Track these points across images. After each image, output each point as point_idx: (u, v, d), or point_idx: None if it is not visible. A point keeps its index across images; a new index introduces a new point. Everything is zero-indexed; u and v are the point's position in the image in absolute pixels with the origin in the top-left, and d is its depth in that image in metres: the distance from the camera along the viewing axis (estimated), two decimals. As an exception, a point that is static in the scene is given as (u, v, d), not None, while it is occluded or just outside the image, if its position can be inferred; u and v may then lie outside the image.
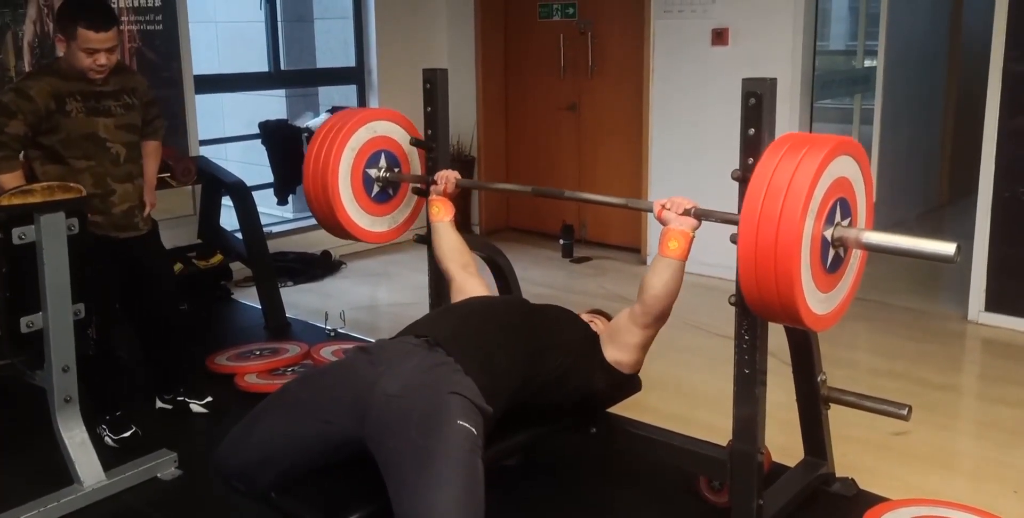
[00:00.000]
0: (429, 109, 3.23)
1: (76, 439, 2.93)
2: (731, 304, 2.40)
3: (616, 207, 2.73)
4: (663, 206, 2.45)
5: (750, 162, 2.39)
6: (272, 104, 7.30)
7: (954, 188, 7.29)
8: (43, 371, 2.87)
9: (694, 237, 2.43)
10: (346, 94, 6.49)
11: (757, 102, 2.35)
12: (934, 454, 3.28)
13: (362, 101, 6.32)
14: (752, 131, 2.37)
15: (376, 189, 3.15)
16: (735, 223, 2.14)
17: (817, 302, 2.14)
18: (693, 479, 2.92)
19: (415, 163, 3.26)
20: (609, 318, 2.93)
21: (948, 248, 2.05)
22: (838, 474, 2.98)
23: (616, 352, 2.57)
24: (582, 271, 5.95)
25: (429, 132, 3.24)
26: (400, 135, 3.21)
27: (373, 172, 3.12)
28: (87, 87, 3.17)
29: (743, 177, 2.40)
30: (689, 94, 5.57)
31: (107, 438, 3.33)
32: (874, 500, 2.82)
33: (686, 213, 2.42)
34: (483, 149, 6.75)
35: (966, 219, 4.93)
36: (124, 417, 3.39)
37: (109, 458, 3.06)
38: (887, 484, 2.98)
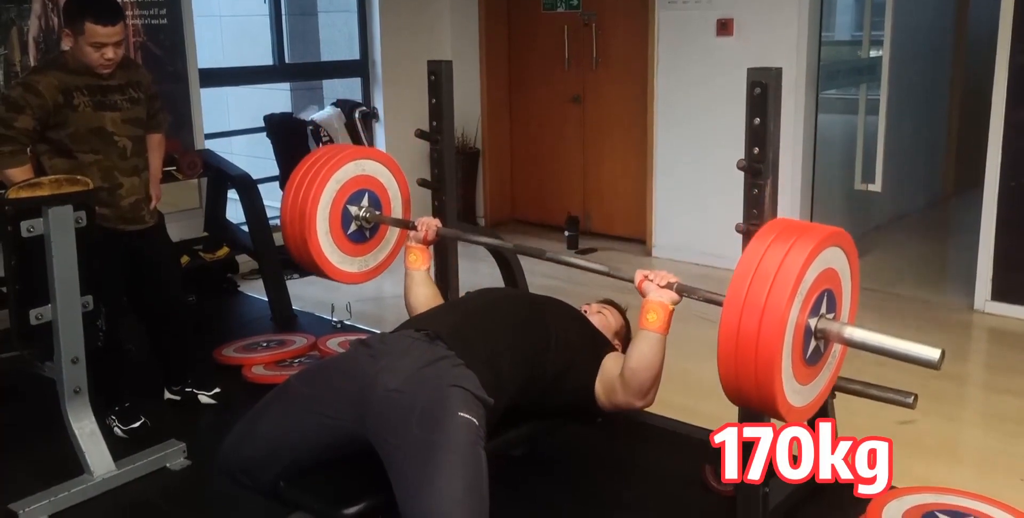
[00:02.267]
0: (434, 101, 3.23)
1: (86, 430, 2.95)
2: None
3: (597, 273, 2.54)
4: (645, 277, 2.37)
5: (755, 152, 2.40)
6: (277, 97, 7.30)
7: (960, 179, 7.27)
8: (52, 363, 2.89)
9: (673, 311, 2.34)
10: (350, 87, 6.49)
11: (762, 92, 2.35)
12: (940, 443, 3.29)
13: (366, 95, 6.32)
14: (757, 121, 2.38)
15: (353, 227, 3.06)
16: (718, 304, 2.07)
17: (794, 393, 2.07)
18: (699, 468, 2.93)
19: (397, 212, 3.19)
20: (619, 308, 2.93)
21: (932, 353, 1.97)
22: (844, 463, 2.98)
23: (602, 397, 2.48)
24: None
25: (434, 124, 3.25)
26: (387, 178, 3.13)
27: (354, 210, 3.04)
28: (94, 81, 3.18)
29: (748, 167, 2.41)
30: (694, 85, 5.57)
31: (116, 429, 3.35)
32: (880, 489, 2.82)
33: (668, 287, 2.33)
34: (487, 141, 6.75)
35: (972, 210, 4.92)
36: (133, 408, 3.41)
37: (119, 449, 3.08)
38: (894, 472, 2.98)
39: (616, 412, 2.56)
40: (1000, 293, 4.62)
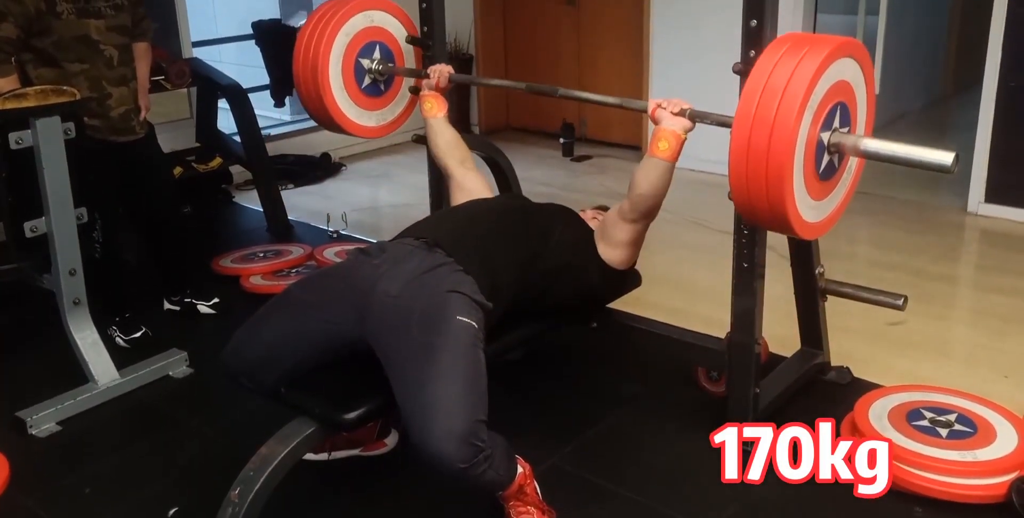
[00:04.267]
0: (424, 5, 3.16)
1: (88, 340, 3.00)
2: (731, 199, 2.40)
3: (610, 106, 2.62)
4: (659, 105, 2.40)
5: (752, 55, 2.36)
6: (265, 3, 7.13)
7: (960, 79, 7.19)
8: (51, 275, 2.91)
9: (685, 139, 2.39)
10: (340, -9, 6.34)
11: (759, -9, 2.30)
12: (928, 342, 3.35)
13: (356, -2, 6.17)
14: (754, 22, 2.33)
15: (367, 81, 3.07)
16: (730, 126, 2.06)
17: (808, 209, 2.08)
18: (692, 370, 2.99)
19: (410, 63, 3.19)
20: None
21: (946, 158, 1.98)
22: (833, 363, 3.05)
23: (607, 249, 2.57)
24: (583, 169, 5.94)
25: (425, 29, 3.18)
26: (397, 29, 3.13)
27: (366, 62, 3.03)
28: (75, -13, 3.11)
29: (745, 71, 2.37)
30: (690, -15, 5.44)
31: (118, 339, 3.40)
32: (868, 387, 2.89)
33: (681, 114, 2.37)
34: (481, 47, 6.63)
35: (971, 110, 4.88)
36: (134, 318, 3.46)
37: (121, 358, 3.14)
38: (881, 372, 3.05)
39: (629, 260, 2.61)
40: (994, 195, 4.62)
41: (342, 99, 3.01)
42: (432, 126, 2.92)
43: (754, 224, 2.30)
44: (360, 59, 3.02)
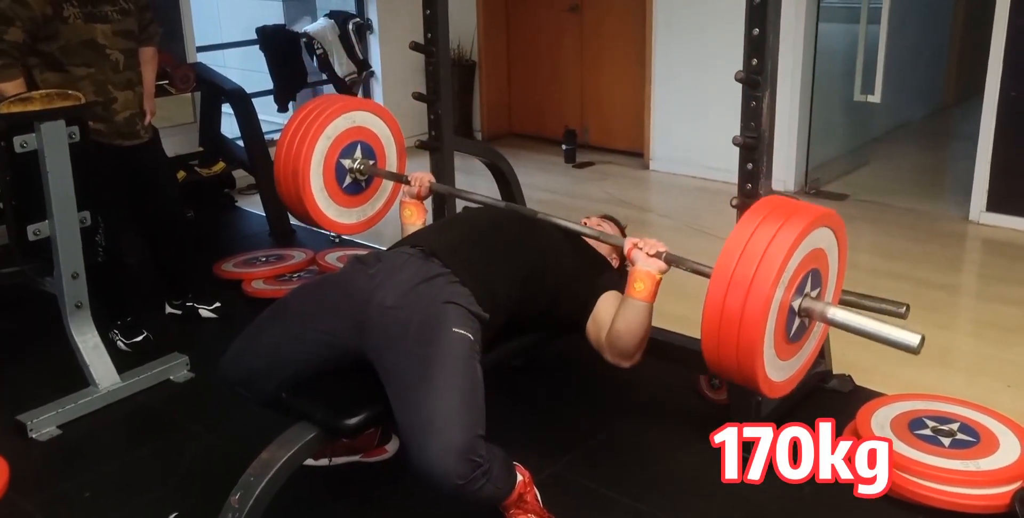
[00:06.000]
0: (428, 12, 3.17)
1: (89, 343, 3.00)
2: (733, 206, 2.40)
3: (587, 237, 2.57)
4: (635, 245, 2.34)
5: (754, 63, 2.37)
6: (269, 9, 7.15)
7: (961, 88, 7.20)
8: (53, 278, 2.91)
9: (661, 280, 2.33)
10: (343, -2, 6.37)
11: (762, 1, 2.31)
12: (930, 351, 3.29)
13: (360, 6, 6.19)
14: (756, 31, 2.35)
15: (348, 180, 3.04)
16: (705, 276, 2.07)
17: (775, 370, 2.09)
18: (693, 378, 2.99)
19: (391, 160, 3.15)
20: (617, 223, 2.93)
21: (912, 339, 1.97)
22: (835, 371, 3.05)
23: (592, 337, 2.48)
24: (585, 176, 5.95)
25: (428, 36, 3.19)
26: (379, 128, 3.09)
27: (347, 162, 3.01)
28: (82, -8, 3.12)
29: (747, 78, 2.38)
30: (694, -7, 5.46)
31: (120, 342, 3.40)
32: (870, 395, 2.89)
33: (657, 256, 2.31)
34: (484, 54, 6.64)
35: (972, 119, 4.88)
36: (135, 322, 3.46)
37: (123, 362, 3.14)
38: (883, 380, 3.05)
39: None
40: (995, 204, 4.63)
41: (322, 200, 3.00)
42: (409, 232, 2.83)
43: (720, 377, 2.30)
44: (341, 160, 3.00)
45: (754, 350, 1.97)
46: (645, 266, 2.31)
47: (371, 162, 3.07)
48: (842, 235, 2.19)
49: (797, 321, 2.09)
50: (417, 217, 2.88)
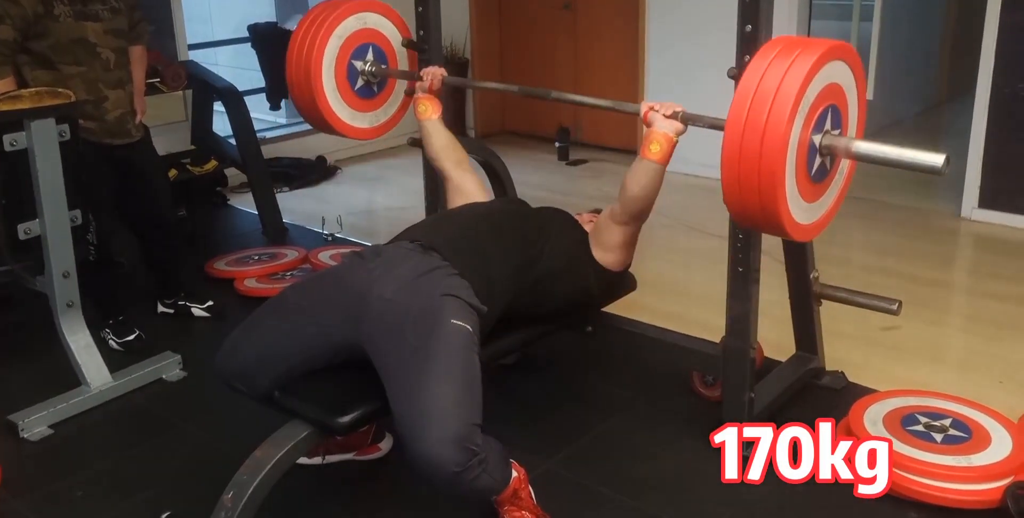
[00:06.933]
0: (420, 9, 3.16)
1: (81, 343, 2.99)
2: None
3: (603, 109, 2.63)
4: (651, 108, 2.41)
5: (746, 60, 2.36)
6: (260, 6, 7.13)
7: (953, 85, 7.20)
8: (44, 277, 2.90)
9: (677, 142, 2.39)
10: (336, -5, 6.35)
11: (754, -3, 2.31)
12: (922, 347, 3.35)
13: (352, 2, 6.17)
14: (749, 28, 2.34)
15: (360, 83, 3.06)
16: (722, 129, 2.07)
17: (800, 211, 2.09)
18: (687, 375, 2.99)
19: (403, 65, 3.19)
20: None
21: (936, 159, 1.99)
22: (828, 368, 3.05)
23: (601, 251, 2.57)
24: (578, 173, 5.95)
25: (421, 33, 3.18)
26: (391, 31, 3.12)
27: (359, 64, 3.04)
28: (72, -10, 3.10)
29: (739, 75, 2.38)
30: (686, -10, 5.45)
31: (111, 342, 3.39)
32: (862, 392, 2.90)
33: (674, 116, 2.38)
34: (476, 51, 6.63)
35: (965, 116, 4.90)
36: (127, 321, 3.45)
37: (115, 361, 3.13)
38: (876, 377, 3.05)
39: (622, 262, 2.62)
40: (987, 200, 4.64)
41: (335, 101, 3.01)
42: (427, 128, 2.92)
43: (746, 226, 2.30)
44: (353, 61, 3.02)
45: (776, 189, 1.96)
46: (662, 127, 2.38)
47: (383, 65, 3.09)
48: (858, 69, 2.17)
49: (819, 160, 2.09)
50: (432, 111, 2.93)
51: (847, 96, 2.16)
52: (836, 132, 2.11)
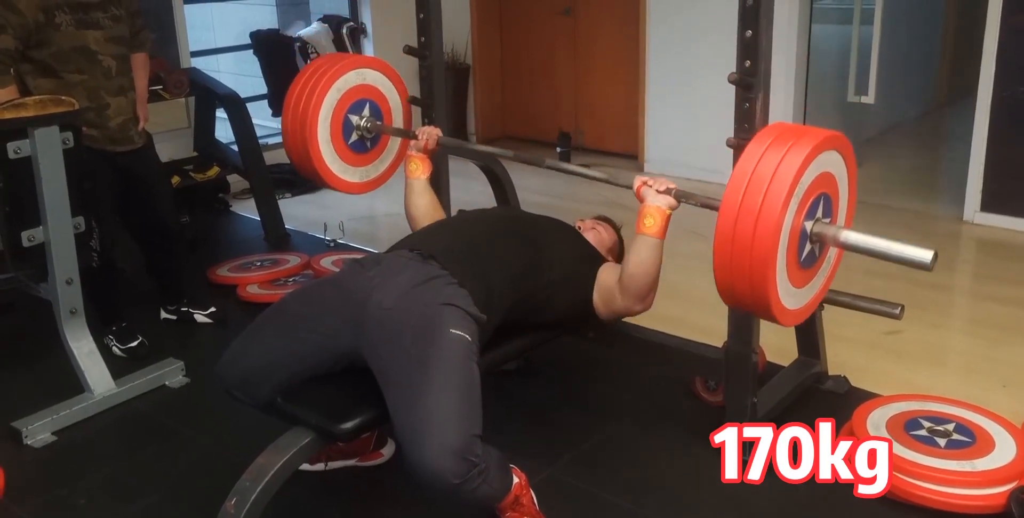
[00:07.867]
0: (422, 16, 3.17)
1: (84, 349, 2.99)
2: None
3: (597, 180, 2.61)
4: (644, 182, 2.39)
5: (747, 65, 2.37)
6: (262, 14, 7.16)
7: (954, 88, 7.21)
8: (47, 284, 2.91)
9: (671, 216, 2.37)
10: (337, 3, 6.36)
11: (755, 3, 2.32)
12: (925, 351, 3.35)
13: (354, 10, 6.19)
14: (749, 33, 2.35)
15: (354, 137, 3.07)
16: (714, 208, 2.07)
17: (788, 296, 2.09)
18: (689, 380, 2.99)
19: (398, 122, 3.18)
20: (613, 224, 2.94)
21: (925, 255, 2.00)
22: (831, 372, 3.05)
23: (601, 306, 2.54)
24: (579, 179, 5.93)
25: (422, 39, 3.19)
26: (388, 89, 3.13)
27: (355, 119, 3.04)
28: (74, -1, 3.11)
29: (740, 80, 2.39)
30: (686, -4, 5.46)
31: (114, 348, 3.39)
32: (865, 396, 2.89)
33: (667, 192, 2.35)
34: (478, 57, 6.64)
35: (966, 119, 4.90)
36: (130, 327, 3.45)
37: (118, 367, 3.13)
38: (879, 381, 3.05)
39: (614, 320, 2.62)
40: (989, 204, 4.64)
41: (328, 153, 3.02)
42: (413, 187, 2.90)
43: (733, 307, 2.30)
44: (349, 115, 3.03)
45: (767, 274, 1.96)
46: (655, 202, 2.36)
47: (378, 122, 3.10)
48: (850, 159, 2.18)
49: (809, 247, 2.09)
50: (422, 171, 2.91)
51: (839, 185, 2.17)
52: (827, 220, 2.12)
